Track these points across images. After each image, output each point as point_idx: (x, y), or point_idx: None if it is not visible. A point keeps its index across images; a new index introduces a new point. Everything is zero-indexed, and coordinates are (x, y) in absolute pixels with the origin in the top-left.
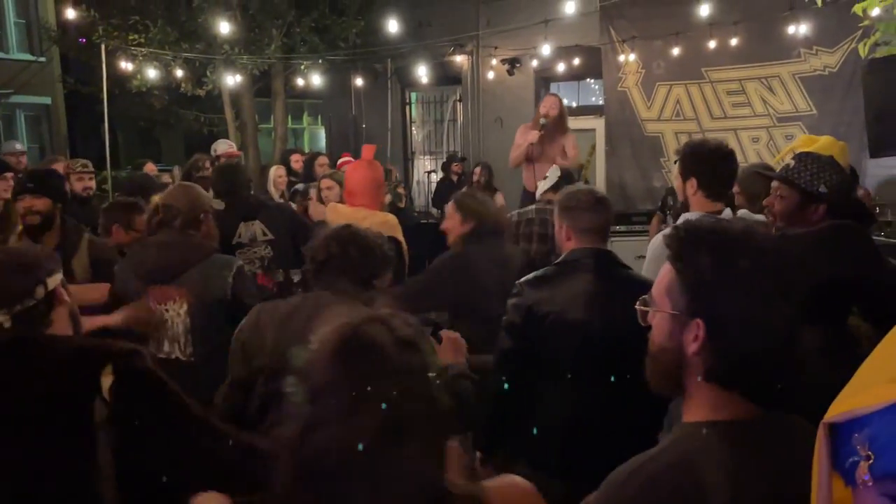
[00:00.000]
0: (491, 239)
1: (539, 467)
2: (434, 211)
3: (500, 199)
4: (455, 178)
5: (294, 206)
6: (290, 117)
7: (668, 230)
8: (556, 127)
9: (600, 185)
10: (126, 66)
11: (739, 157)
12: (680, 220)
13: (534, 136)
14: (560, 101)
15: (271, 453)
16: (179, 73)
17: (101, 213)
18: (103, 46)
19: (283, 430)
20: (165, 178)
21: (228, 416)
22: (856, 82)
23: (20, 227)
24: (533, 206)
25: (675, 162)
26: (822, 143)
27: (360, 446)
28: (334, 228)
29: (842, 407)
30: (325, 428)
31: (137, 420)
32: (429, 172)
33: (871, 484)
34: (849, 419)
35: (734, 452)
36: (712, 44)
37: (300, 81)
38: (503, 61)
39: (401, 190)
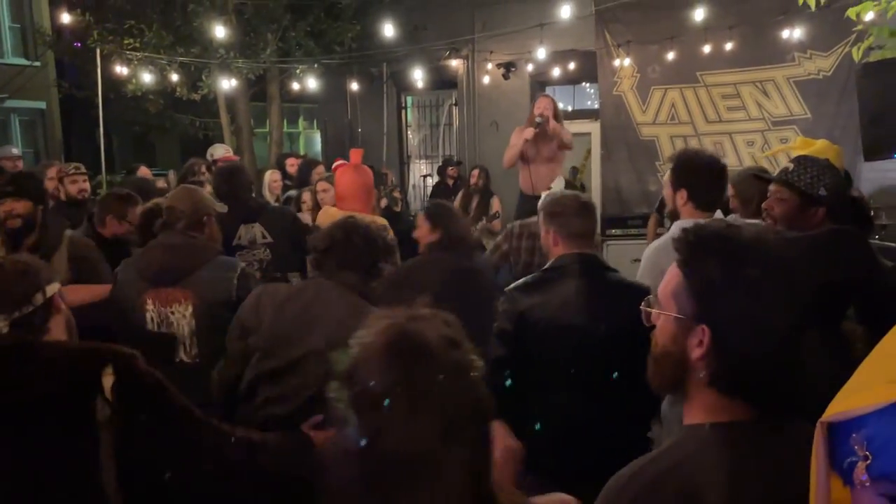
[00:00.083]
0: (457, 250)
1: (533, 470)
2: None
3: (496, 202)
4: (451, 182)
5: None
6: (285, 121)
7: (676, 233)
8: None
9: (596, 188)
10: (121, 70)
11: (734, 161)
12: (673, 228)
13: (529, 132)
14: (554, 101)
15: (322, 458)
16: (174, 77)
17: (96, 204)
18: (98, 51)
19: (342, 438)
20: (160, 182)
21: (223, 388)
22: (850, 86)
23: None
24: (534, 219)
25: (669, 168)
26: (819, 147)
27: (427, 448)
28: (337, 219)
29: (840, 406)
30: (391, 432)
31: (142, 417)
32: (424, 176)
33: (868, 484)
34: (847, 419)
35: (735, 454)
36: (707, 48)
37: (296, 85)
38: (499, 65)
39: (397, 194)
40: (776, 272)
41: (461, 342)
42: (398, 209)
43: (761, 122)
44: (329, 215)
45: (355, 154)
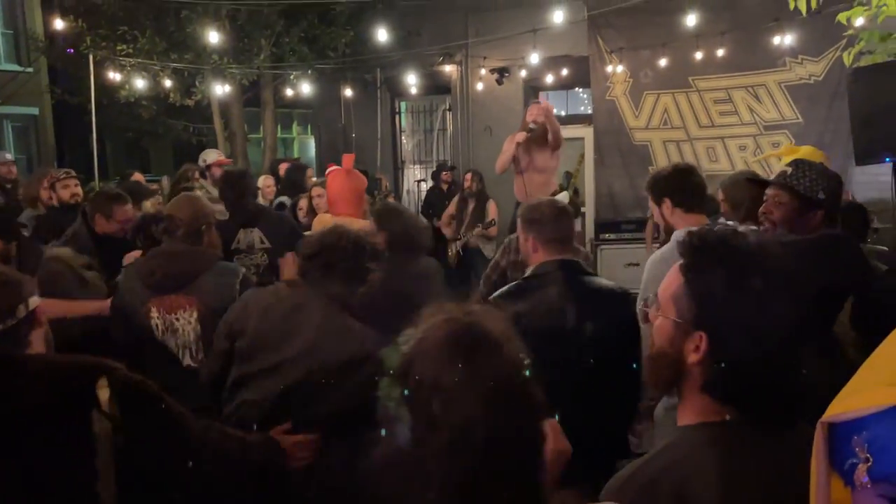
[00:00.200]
0: (404, 252)
1: None
2: (423, 220)
3: (492, 207)
4: (445, 186)
5: None
6: (279, 127)
7: (680, 238)
8: (543, 135)
9: (589, 193)
10: (114, 76)
11: (726, 165)
12: (678, 232)
13: (521, 136)
14: (548, 105)
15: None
16: (168, 83)
17: (88, 201)
18: (91, 57)
19: (427, 441)
20: (154, 188)
21: (207, 384)
22: (841, 91)
23: None
24: None
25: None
26: (805, 152)
27: (505, 446)
28: (325, 228)
29: (840, 407)
30: (474, 431)
31: (143, 426)
32: (418, 181)
33: (869, 486)
34: (847, 419)
35: (728, 454)
36: (699, 54)
37: (289, 91)
38: (492, 71)
39: (391, 199)
40: (778, 285)
41: (514, 337)
42: None
43: (753, 126)
44: (323, 223)
45: (347, 159)
